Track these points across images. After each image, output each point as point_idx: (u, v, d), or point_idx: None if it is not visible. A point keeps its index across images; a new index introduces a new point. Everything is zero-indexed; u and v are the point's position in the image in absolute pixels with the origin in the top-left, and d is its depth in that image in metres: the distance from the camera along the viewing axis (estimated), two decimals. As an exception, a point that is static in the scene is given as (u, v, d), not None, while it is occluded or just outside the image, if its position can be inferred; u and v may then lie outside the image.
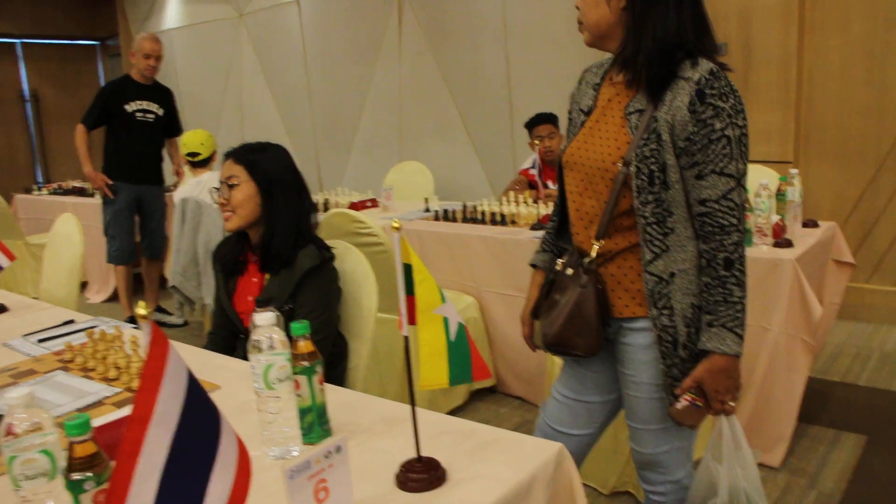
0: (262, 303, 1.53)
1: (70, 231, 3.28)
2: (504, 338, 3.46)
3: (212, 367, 1.85)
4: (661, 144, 1.54)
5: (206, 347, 2.25)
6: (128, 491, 0.82)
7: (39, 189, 6.99)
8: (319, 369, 1.35)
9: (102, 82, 9.93)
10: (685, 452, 1.74)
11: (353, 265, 2.24)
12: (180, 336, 4.87)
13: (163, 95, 4.98)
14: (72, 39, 9.69)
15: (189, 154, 4.22)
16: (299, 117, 6.93)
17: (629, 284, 1.64)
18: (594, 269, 1.64)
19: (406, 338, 1.20)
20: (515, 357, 3.43)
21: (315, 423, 1.35)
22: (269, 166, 2.06)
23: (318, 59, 6.65)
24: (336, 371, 2.17)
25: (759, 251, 2.70)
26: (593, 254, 1.63)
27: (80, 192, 6.42)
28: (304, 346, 1.34)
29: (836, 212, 4.29)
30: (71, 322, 2.40)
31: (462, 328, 1.24)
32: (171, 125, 5.04)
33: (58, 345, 2.15)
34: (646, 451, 1.74)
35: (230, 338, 2.24)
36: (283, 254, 2.03)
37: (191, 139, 4.22)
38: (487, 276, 3.45)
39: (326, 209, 4.60)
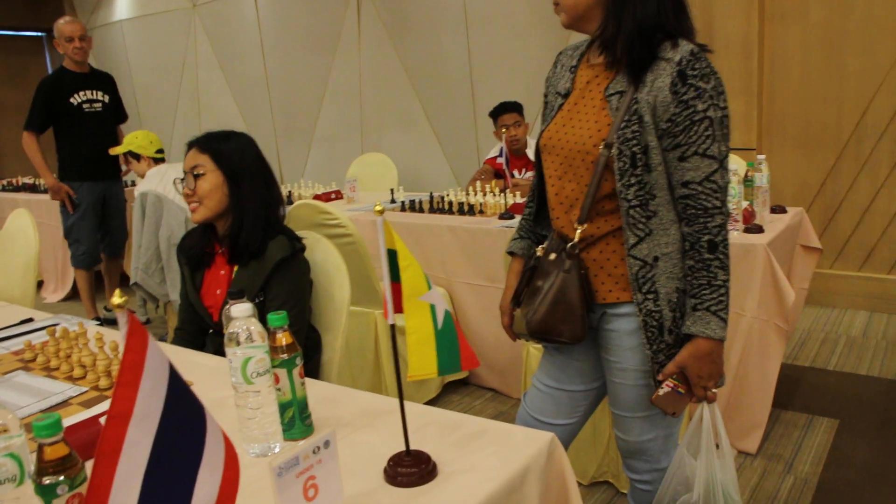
0: (235, 294, 1.47)
1: (24, 227, 3.16)
2: (476, 329, 3.42)
3: (182, 364, 1.76)
4: (642, 126, 1.52)
5: (174, 340, 2.18)
6: (109, 493, 0.76)
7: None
8: (299, 362, 1.30)
9: (52, 75, 9.64)
10: (671, 440, 1.73)
11: (323, 256, 2.18)
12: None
13: (104, 82, 4.79)
14: (16, 30, 9.38)
15: (131, 154, 4.03)
16: (258, 109, 6.81)
17: (612, 269, 1.62)
18: (577, 253, 1.61)
19: (393, 326, 1.16)
20: (488, 348, 3.40)
21: (296, 418, 1.30)
22: (234, 155, 1.99)
23: (276, 51, 6.53)
24: (310, 365, 2.11)
25: (730, 237, 2.69)
26: (576, 238, 1.60)
27: (32, 188, 6.23)
28: (283, 337, 1.28)
29: (799, 198, 4.34)
30: (30, 320, 2.31)
31: (448, 315, 1.20)
32: (118, 112, 4.89)
33: (17, 344, 2.06)
34: (631, 440, 1.72)
35: (198, 333, 2.17)
36: (253, 245, 1.96)
37: (130, 140, 4.05)
38: (457, 267, 3.41)
39: (290, 202, 4.52)
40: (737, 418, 2.72)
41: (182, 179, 2.01)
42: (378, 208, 1.10)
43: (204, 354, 1.87)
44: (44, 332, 2.13)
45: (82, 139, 4.62)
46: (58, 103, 4.55)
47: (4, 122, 9.36)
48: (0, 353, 2.01)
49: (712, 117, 1.51)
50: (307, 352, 2.09)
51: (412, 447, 1.19)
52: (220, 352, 2.06)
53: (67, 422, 1.35)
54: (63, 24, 4.57)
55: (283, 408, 1.30)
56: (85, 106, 4.62)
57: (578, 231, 1.60)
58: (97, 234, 4.80)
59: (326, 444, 0.99)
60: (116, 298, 0.76)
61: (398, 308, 1.14)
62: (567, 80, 1.71)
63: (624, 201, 1.55)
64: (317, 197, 4.32)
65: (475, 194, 3.80)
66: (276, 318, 1.28)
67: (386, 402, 1.43)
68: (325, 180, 5.45)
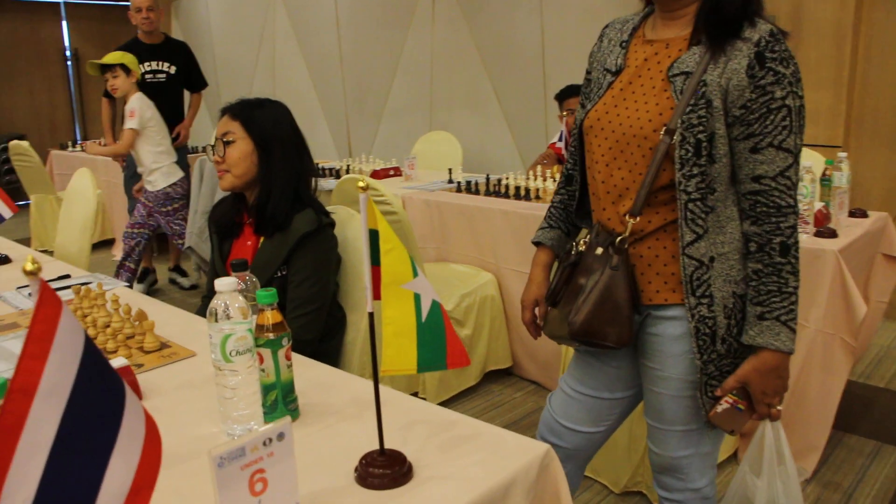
0: (238, 266, 1.41)
1: (84, 187, 3.20)
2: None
3: (192, 333, 1.73)
4: (710, 111, 1.37)
5: (198, 312, 2.15)
6: (7, 470, 0.69)
7: (75, 146, 6.98)
8: (286, 342, 1.21)
9: (141, 42, 9.89)
10: (709, 459, 1.58)
11: (355, 232, 2.10)
12: (179, 299, 4.80)
13: (174, 51, 4.83)
14: (112, 0, 9.65)
15: (122, 67, 4.02)
16: (331, 83, 6.79)
17: (661, 267, 1.47)
18: (626, 248, 1.47)
19: (371, 314, 1.06)
20: (533, 340, 3.27)
21: (279, 401, 1.22)
22: (266, 123, 1.93)
23: (351, 25, 6.49)
24: (332, 344, 2.04)
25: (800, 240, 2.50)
26: (627, 232, 1.46)
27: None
28: (271, 316, 1.20)
29: (888, 202, 4.02)
30: (67, 277, 2.31)
31: (437, 307, 1.09)
32: (190, 80, 4.92)
33: (43, 301, 2.05)
34: (666, 454, 1.58)
35: None
36: (279, 216, 1.90)
37: (123, 56, 4.03)
38: (507, 253, 3.29)
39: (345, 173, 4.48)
40: (791, 437, 2.50)
41: (213, 146, 1.96)
42: (361, 184, 1.00)
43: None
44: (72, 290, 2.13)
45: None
46: None
47: (95, 87, 9.67)
48: (30, 306, 2.01)
49: (790, 106, 1.35)
50: (330, 331, 2.02)
51: (396, 445, 1.10)
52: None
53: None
54: None
55: (266, 389, 1.22)
56: (148, 76, 4.69)
57: (630, 224, 1.45)
58: None
59: (280, 436, 0.90)
60: (28, 265, 0.69)
61: (377, 295, 1.04)
62: (618, 56, 1.56)
63: (683, 194, 1.40)
64: (374, 173, 4.25)
65: (535, 179, 3.66)
66: (265, 294, 1.19)
67: (383, 392, 1.34)
68: (391, 156, 5.39)
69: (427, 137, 5.27)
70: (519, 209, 3.24)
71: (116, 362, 1.38)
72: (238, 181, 1.93)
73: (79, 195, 3.24)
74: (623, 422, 1.75)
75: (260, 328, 1.19)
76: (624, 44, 1.57)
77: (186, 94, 5.08)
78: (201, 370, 1.50)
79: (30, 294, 2.14)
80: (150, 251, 5.10)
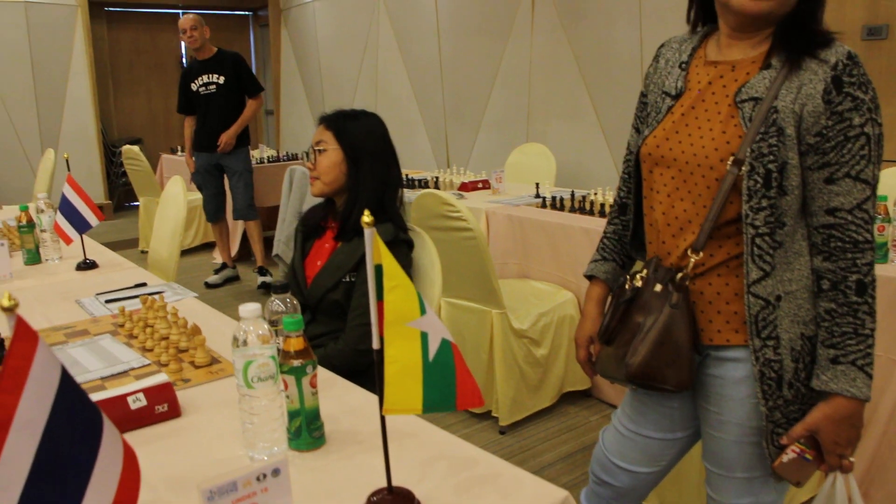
0: (279, 288, 1.42)
1: (176, 194, 3.32)
2: (603, 339, 3.20)
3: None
4: (782, 140, 1.28)
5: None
6: (-18, 504, 0.70)
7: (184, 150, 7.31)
8: (311, 370, 1.20)
9: (253, 51, 10.27)
10: (770, 510, 1.47)
11: (418, 252, 2.09)
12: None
13: (222, 63, 5.12)
14: (227, 10, 10.06)
15: None
16: (431, 92, 6.83)
17: (723, 306, 1.38)
18: (686, 285, 1.38)
19: (377, 351, 1.02)
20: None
21: (303, 428, 1.21)
22: (358, 134, 2.00)
23: (451, 34, 6.51)
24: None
25: (887, 268, 2.31)
26: (689, 268, 1.37)
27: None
28: (296, 343, 1.19)
29: None
30: (143, 285, 2.40)
31: (447, 346, 1.03)
32: (241, 87, 5.15)
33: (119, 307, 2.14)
34: (723, 501, 1.48)
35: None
36: (360, 224, 1.94)
37: None
38: (589, 271, 3.20)
39: (437, 187, 4.48)
40: (883, 485, 2.32)
41: (307, 153, 2.03)
42: (366, 219, 0.97)
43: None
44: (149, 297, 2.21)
45: (202, 120, 5.15)
46: (187, 91, 5.17)
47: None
48: (103, 314, 2.09)
49: (869, 134, 1.26)
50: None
51: (410, 482, 1.07)
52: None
53: (98, 396, 1.35)
54: (180, 20, 5.04)
55: (291, 416, 1.21)
56: (201, 90, 5.09)
57: (693, 259, 1.37)
58: (209, 194, 5.30)
59: (276, 472, 0.89)
60: (5, 301, 0.70)
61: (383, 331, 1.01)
62: (678, 78, 1.48)
63: (750, 227, 1.31)
64: (463, 185, 4.24)
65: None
66: (291, 321, 1.19)
67: (416, 424, 1.31)
68: (489, 167, 5.37)
69: (522, 149, 5.22)
70: (599, 227, 3.14)
71: (157, 378, 1.41)
72: (327, 188, 2.01)
73: (172, 201, 3.37)
74: (678, 461, 1.66)
75: (285, 354, 1.19)
76: (683, 65, 1.48)
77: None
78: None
79: (107, 301, 2.24)
80: (227, 247, 5.39)
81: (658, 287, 1.41)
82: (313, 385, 1.21)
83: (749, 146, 1.29)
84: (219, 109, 5.07)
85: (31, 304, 2.26)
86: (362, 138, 2.01)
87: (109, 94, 9.23)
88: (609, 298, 1.60)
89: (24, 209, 2.80)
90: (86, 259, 2.69)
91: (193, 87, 5.09)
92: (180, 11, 9.69)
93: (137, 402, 1.35)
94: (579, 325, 1.67)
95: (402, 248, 2.01)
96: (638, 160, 1.53)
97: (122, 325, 1.95)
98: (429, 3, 6.64)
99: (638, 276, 1.48)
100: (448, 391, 1.02)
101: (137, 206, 6.85)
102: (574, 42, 5.47)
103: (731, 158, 1.31)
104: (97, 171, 8.40)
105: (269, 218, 6.10)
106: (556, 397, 3.24)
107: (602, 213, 3.38)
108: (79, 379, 1.56)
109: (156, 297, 1.98)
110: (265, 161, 5.99)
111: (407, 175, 4.67)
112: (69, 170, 2.79)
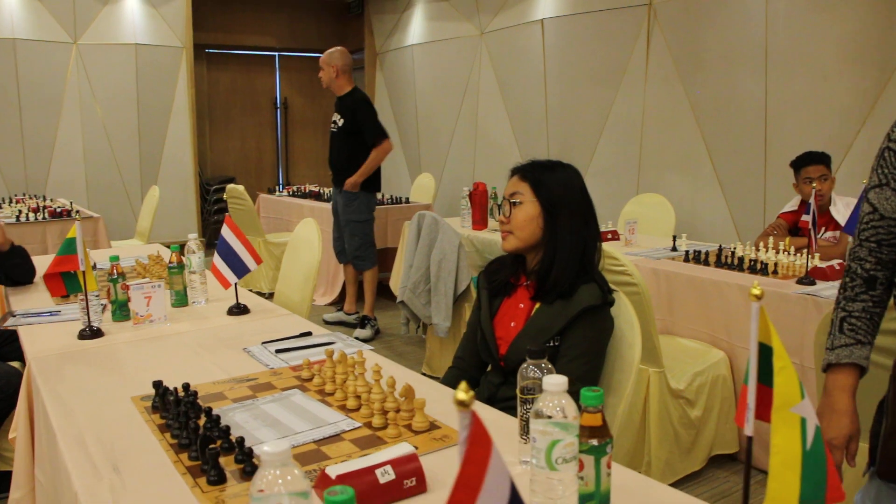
0: (536, 353, 1.30)
1: (310, 236, 3.28)
2: (756, 404, 3.01)
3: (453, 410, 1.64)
4: None
5: (445, 377, 2.08)
6: None
7: (280, 190, 7.35)
8: (610, 450, 1.08)
9: (345, 94, 10.41)
10: None
11: (615, 310, 1.96)
12: (407, 352, 4.83)
13: (344, 105, 5.14)
14: (322, 53, 10.22)
15: None
16: (534, 139, 6.75)
17: None
18: None
19: (750, 439, 0.90)
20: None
21: (598, 516, 1.09)
22: (556, 187, 1.88)
23: (559, 81, 6.44)
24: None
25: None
26: None
27: (317, 196, 6.65)
28: (594, 419, 1.07)
29: None
30: (308, 334, 2.32)
31: (819, 433, 0.92)
32: (359, 133, 5.05)
33: (295, 358, 2.05)
34: None
35: (475, 369, 2.07)
36: (562, 284, 1.82)
37: None
38: (743, 331, 3.03)
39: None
40: None
41: (499, 205, 1.92)
42: (756, 291, 0.85)
43: (481, 405, 1.71)
44: (319, 349, 2.12)
45: (329, 153, 5.23)
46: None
47: (299, 134, 10.26)
48: (279, 365, 2.01)
49: None
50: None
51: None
52: (493, 398, 1.92)
53: (340, 469, 1.24)
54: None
55: (583, 500, 1.09)
56: (331, 127, 5.21)
57: None
58: (336, 237, 5.31)
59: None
60: (461, 394, 0.59)
61: (764, 416, 0.89)
62: None
63: None
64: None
65: (766, 251, 3.38)
66: (592, 395, 1.07)
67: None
68: (599, 216, 5.21)
69: (638, 199, 5.08)
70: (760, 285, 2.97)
71: (401, 448, 1.30)
72: (521, 244, 1.90)
73: (304, 243, 3.32)
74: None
75: (583, 431, 1.07)
76: None
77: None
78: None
79: (277, 351, 2.17)
80: (351, 297, 5.29)
81: None
82: (609, 465, 1.09)
83: None
84: (337, 150, 5.11)
85: (197, 350, 2.20)
86: (561, 191, 1.89)
87: (206, 133, 9.42)
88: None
89: (176, 250, 2.78)
90: (238, 303, 2.63)
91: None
92: (276, 54, 9.89)
93: (386, 476, 1.24)
94: (832, 420, 1.47)
95: (608, 309, 1.88)
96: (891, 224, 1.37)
97: (308, 380, 1.86)
98: (535, 50, 6.60)
99: None
100: (820, 484, 0.89)
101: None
102: (691, 92, 5.34)
103: None
104: (192, 208, 8.54)
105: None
106: (705, 461, 3.05)
107: (752, 270, 3.21)
108: (290, 442, 1.47)
109: (342, 350, 1.89)
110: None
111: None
112: (227, 210, 2.75)
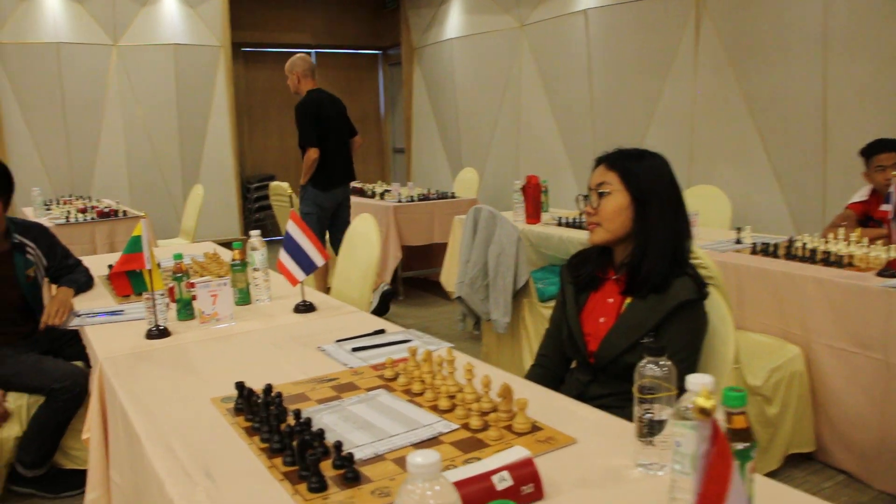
0: (655, 351, 1.23)
1: (367, 231, 3.23)
2: (834, 399, 2.90)
3: (555, 410, 1.57)
4: None
5: (527, 375, 2.01)
6: None
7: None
8: (754, 454, 1.00)
9: (381, 89, 10.39)
10: None
11: (706, 304, 1.88)
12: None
13: None
14: (358, 49, 10.21)
15: None
16: (578, 132, 6.65)
17: None
18: None
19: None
20: (847, 424, 2.87)
21: (745, 528, 1.01)
22: (646, 176, 1.80)
23: (603, 72, 6.33)
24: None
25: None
26: None
27: (360, 192, 6.60)
28: (739, 420, 1.00)
29: None
30: (382, 332, 2.26)
31: None
32: None
33: (374, 357, 1.99)
34: None
35: (559, 366, 2.00)
36: (655, 277, 1.75)
37: None
38: (820, 326, 2.92)
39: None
40: None
41: (585, 196, 1.84)
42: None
43: (579, 403, 1.64)
44: (397, 347, 2.07)
45: None
46: None
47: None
48: (359, 364, 1.95)
49: None
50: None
51: None
52: (582, 396, 1.85)
53: (453, 475, 1.18)
54: None
55: (729, 511, 1.01)
56: None
57: None
58: None
59: None
60: (704, 401, 0.52)
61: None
62: None
63: None
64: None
65: (836, 242, 3.26)
66: (735, 395, 0.99)
67: None
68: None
69: (692, 191, 4.95)
70: (835, 278, 2.87)
71: (515, 452, 1.24)
72: (610, 236, 1.82)
73: (362, 239, 3.27)
74: None
75: (727, 435, 0.99)
76: None
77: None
78: (592, 463, 1.32)
79: (353, 349, 2.11)
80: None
81: None
82: (752, 471, 1.01)
83: None
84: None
85: (270, 349, 2.16)
86: (651, 180, 1.81)
87: (244, 131, 9.43)
88: None
89: (238, 247, 2.74)
90: (304, 301, 2.59)
91: None
92: (313, 51, 9.88)
93: (503, 483, 1.17)
94: None
95: (702, 306, 1.80)
96: None
97: (392, 379, 1.80)
98: (579, 42, 6.50)
99: None
100: None
101: (268, 241, 6.89)
102: (743, 80, 5.21)
103: None
104: (233, 206, 8.55)
105: (412, 257, 6.02)
106: (781, 460, 2.95)
107: (826, 262, 3.09)
108: (387, 446, 1.42)
109: (427, 348, 1.82)
110: (414, 199, 5.90)
111: (559, 217, 4.47)
112: (292, 205, 2.71)
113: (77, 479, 2.82)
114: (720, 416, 0.98)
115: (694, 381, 0.97)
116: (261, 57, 9.68)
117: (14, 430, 2.83)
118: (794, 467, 3.01)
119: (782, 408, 2.86)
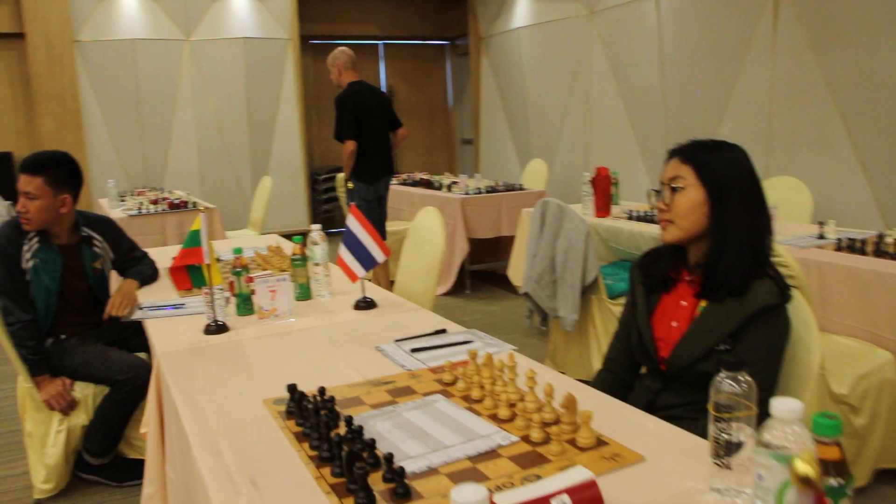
0: (733, 365, 1.11)
1: (433, 225, 3.15)
2: (930, 410, 2.70)
3: (622, 422, 1.47)
4: None
5: (595, 380, 1.90)
6: None
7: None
8: (850, 492, 0.88)
9: (449, 80, 10.30)
10: None
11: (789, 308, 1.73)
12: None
13: None
14: (425, 40, 10.15)
15: None
16: (650, 121, 6.43)
17: None
18: None
19: None
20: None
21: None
22: (722, 169, 1.66)
23: (676, 59, 6.10)
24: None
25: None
26: None
27: (427, 184, 6.55)
28: (832, 451, 0.88)
29: None
30: (443, 332, 2.18)
31: None
32: None
33: (433, 359, 1.92)
34: None
35: (628, 371, 1.89)
36: (733, 279, 1.62)
37: None
38: (915, 330, 2.72)
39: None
40: None
41: (657, 191, 1.73)
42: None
43: (646, 415, 1.53)
44: (460, 348, 1.98)
45: None
46: None
47: (408, 121, 10.17)
48: (417, 366, 1.88)
49: None
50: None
51: None
52: (652, 405, 1.74)
53: (509, 497, 1.09)
54: None
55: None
56: None
57: None
58: None
59: None
60: (805, 467, 0.42)
61: None
62: None
63: None
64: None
65: (930, 239, 3.04)
66: (828, 423, 0.88)
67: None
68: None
69: (771, 183, 4.71)
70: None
71: (576, 473, 1.14)
72: (684, 234, 1.69)
73: (427, 233, 3.19)
74: None
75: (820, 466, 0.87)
76: None
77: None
78: (661, 484, 1.21)
79: (412, 350, 2.04)
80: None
81: None
82: (847, 512, 0.89)
83: None
84: None
85: (327, 348, 2.10)
86: (728, 174, 1.67)
87: (313, 123, 9.48)
88: None
89: (299, 241, 2.70)
90: (365, 297, 2.53)
91: None
92: (380, 43, 9.86)
93: (564, 506, 1.08)
94: None
95: (785, 310, 1.66)
96: None
97: (451, 384, 1.72)
98: (650, 28, 6.28)
99: None
100: None
101: (336, 232, 6.90)
102: (825, 64, 4.93)
103: None
104: (302, 198, 8.62)
105: (480, 249, 5.93)
106: (871, 476, 2.75)
107: (921, 261, 2.87)
108: (441, 458, 1.34)
109: (487, 351, 1.73)
110: (482, 191, 5.81)
111: (630, 210, 4.31)
112: (350, 199, 2.65)
113: (141, 469, 2.83)
114: (810, 444, 0.87)
115: (780, 406, 0.86)
116: (329, 49, 9.58)
117: (81, 418, 2.88)
118: (884, 483, 2.80)
119: (871, 418, 2.67)
